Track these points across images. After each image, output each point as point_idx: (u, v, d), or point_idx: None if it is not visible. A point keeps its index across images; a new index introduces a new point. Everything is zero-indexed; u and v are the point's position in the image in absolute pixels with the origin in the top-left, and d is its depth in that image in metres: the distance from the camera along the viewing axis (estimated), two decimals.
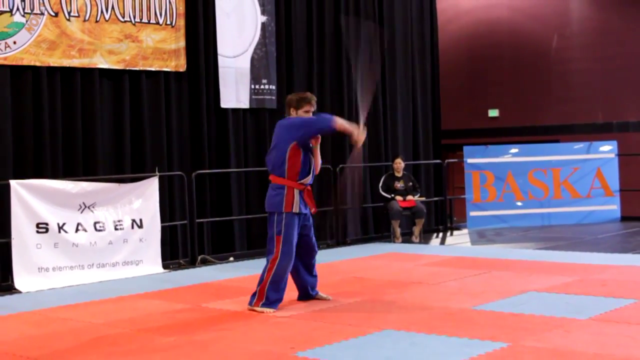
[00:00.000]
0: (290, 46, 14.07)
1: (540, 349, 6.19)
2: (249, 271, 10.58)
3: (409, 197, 13.82)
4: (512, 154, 15.88)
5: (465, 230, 15.39)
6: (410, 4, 16.30)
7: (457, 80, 21.79)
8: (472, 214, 15.58)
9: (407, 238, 13.94)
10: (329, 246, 13.48)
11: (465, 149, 15.85)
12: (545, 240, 13.28)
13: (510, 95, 21.67)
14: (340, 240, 13.97)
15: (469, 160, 15.61)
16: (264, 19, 13.61)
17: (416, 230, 13.93)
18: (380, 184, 13.90)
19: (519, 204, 15.59)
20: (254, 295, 7.98)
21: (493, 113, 22.15)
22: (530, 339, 6.52)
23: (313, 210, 8.12)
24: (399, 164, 13.96)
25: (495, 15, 21.87)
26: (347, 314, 7.80)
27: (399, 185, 13.86)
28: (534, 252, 12.08)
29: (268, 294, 7.90)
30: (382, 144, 15.35)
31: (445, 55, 19.34)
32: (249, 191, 13.38)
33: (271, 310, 7.85)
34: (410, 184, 14.01)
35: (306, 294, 8.41)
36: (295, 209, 7.84)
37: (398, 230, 13.76)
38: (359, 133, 7.81)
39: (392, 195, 13.75)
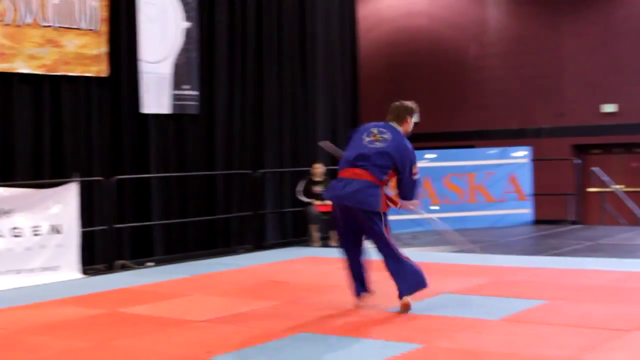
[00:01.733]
0: (213, 52, 14.01)
1: (453, 350, 6.25)
2: (167, 276, 10.51)
3: (328, 202, 13.81)
4: (428, 159, 16.01)
5: None
6: (331, 11, 16.34)
7: (378, 87, 21.92)
8: (390, 217, 15.61)
9: (325, 242, 13.95)
10: (247, 250, 13.42)
11: None
12: (460, 243, 13.40)
13: (429, 102, 21.85)
14: (259, 244, 13.93)
15: None
16: (187, 25, 13.54)
17: (334, 234, 13.93)
18: (299, 188, 13.90)
19: (435, 207, 15.72)
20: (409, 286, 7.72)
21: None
22: (443, 339, 6.58)
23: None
24: (318, 168, 13.97)
25: (415, 24, 22.07)
26: (264, 317, 7.76)
27: (318, 189, 13.87)
28: (449, 254, 12.20)
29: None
30: (301, 149, 15.35)
31: (366, 62, 19.45)
32: (170, 196, 13.27)
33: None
34: None
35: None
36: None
37: (316, 235, 13.76)
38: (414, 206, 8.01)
39: (311, 200, 13.76)
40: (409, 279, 7.64)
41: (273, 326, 7.28)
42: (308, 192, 13.83)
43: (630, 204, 17.63)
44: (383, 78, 22.25)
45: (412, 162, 7.54)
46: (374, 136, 7.61)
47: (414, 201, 7.85)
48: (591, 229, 15.12)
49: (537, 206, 16.28)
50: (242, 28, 14.50)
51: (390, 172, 7.54)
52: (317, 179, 13.93)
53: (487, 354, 6.09)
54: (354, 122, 16.69)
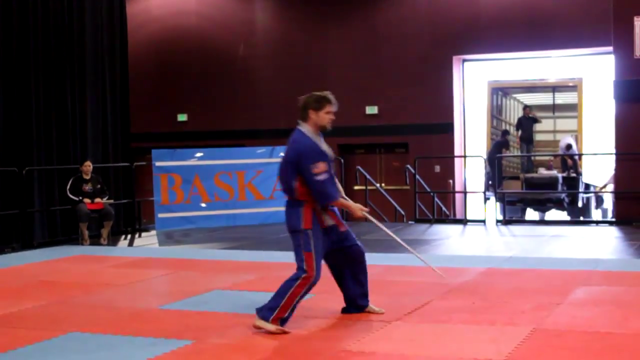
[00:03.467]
0: None
1: (223, 345, 6.31)
2: None
3: (97, 200, 13.58)
4: (197, 158, 16.02)
5: (153, 232, 15.33)
6: (100, 9, 15.99)
7: (147, 85, 21.73)
8: (160, 215, 15.55)
9: (95, 240, 13.68)
10: (14, 249, 12.95)
11: (154, 152, 15.80)
12: (231, 240, 13.52)
13: (199, 101, 21.91)
14: (27, 243, 13.48)
15: (157, 164, 15.56)
16: None
17: (104, 232, 13.72)
18: (69, 187, 13.54)
19: (205, 205, 15.76)
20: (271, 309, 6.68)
21: (182, 117, 22.28)
22: (214, 335, 6.62)
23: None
24: (88, 166, 13.67)
25: (184, 23, 22.02)
26: (31, 318, 7.53)
27: (87, 187, 13.57)
28: (220, 251, 12.26)
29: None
30: (70, 147, 14.97)
31: (135, 60, 19.19)
32: None
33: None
34: (99, 186, 13.76)
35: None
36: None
37: (86, 233, 13.47)
38: (357, 209, 6.92)
39: (80, 198, 13.44)
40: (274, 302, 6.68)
41: (41, 326, 7.09)
42: (77, 190, 13.51)
43: (392, 201, 18.39)
44: (153, 76, 22.06)
45: (308, 161, 6.64)
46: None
47: (358, 208, 6.93)
48: (356, 225, 15.60)
49: None
50: (4, 21, 13.94)
51: (295, 182, 6.70)
52: (86, 176, 13.64)
53: (256, 347, 6.20)
54: (124, 118, 16.45)
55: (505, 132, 20.91)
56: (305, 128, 6.83)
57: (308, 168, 6.63)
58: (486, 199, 17.01)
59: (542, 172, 20.23)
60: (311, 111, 6.80)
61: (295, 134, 6.85)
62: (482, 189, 17.59)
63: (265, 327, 6.58)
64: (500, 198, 17.06)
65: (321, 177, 6.65)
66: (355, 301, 7.20)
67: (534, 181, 19.71)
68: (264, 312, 6.63)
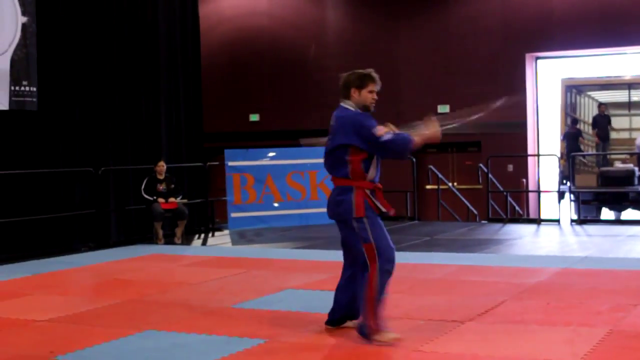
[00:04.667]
0: (52, 48, 13.63)
1: (296, 344, 6.32)
2: (8, 275, 10.20)
3: (171, 199, 13.73)
4: (270, 157, 16.09)
5: (226, 231, 15.45)
6: (174, 10, 16.17)
7: (220, 86, 21.92)
8: (233, 215, 15.66)
9: (169, 239, 13.84)
10: (90, 249, 13.16)
11: (227, 152, 15.91)
12: (303, 240, 13.55)
13: (271, 101, 22.03)
14: (103, 242, 13.69)
15: (230, 163, 15.68)
16: (24, 19, 13.11)
17: (178, 231, 13.86)
18: (143, 187, 13.71)
19: (277, 205, 15.82)
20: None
21: (254, 117, 22.42)
22: (287, 334, 6.63)
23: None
24: (162, 166, 13.83)
25: (256, 23, 22.16)
26: (108, 315, 7.65)
27: (162, 187, 13.73)
28: (292, 251, 12.30)
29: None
30: (145, 147, 15.15)
31: (208, 60, 19.37)
32: (10, 194, 12.85)
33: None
34: (173, 186, 13.91)
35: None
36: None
37: (160, 232, 13.63)
38: (434, 130, 6.35)
39: (155, 198, 13.61)
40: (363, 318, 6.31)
41: (117, 324, 7.19)
42: (152, 190, 13.68)
43: (465, 200, 18.26)
44: (225, 76, 22.24)
45: (368, 127, 6.16)
46: (331, 128, 6.48)
47: (435, 130, 6.31)
48: (428, 225, 15.54)
49: None
50: (81, 24, 14.17)
51: (349, 157, 6.24)
52: (160, 176, 13.80)
53: (328, 346, 6.20)
54: (197, 119, 16.61)
55: (575, 121, 20.55)
56: (349, 104, 6.41)
57: (370, 134, 6.15)
58: (560, 197, 16.77)
59: (618, 165, 19.85)
60: (353, 89, 6.37)
61: (340, 111, 6.43)
62: (556, 188, 17.36)
63: (380, 342, 6.18)
64: (575, 197, 16.81)
65: (388, 136, 6.15)
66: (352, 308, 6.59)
67: (610, 174, 19.31)
68: (363, 331, 6.24)
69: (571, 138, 20.18)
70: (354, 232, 6.29)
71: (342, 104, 6.46)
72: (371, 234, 6.24)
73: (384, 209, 6.31)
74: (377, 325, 6.20)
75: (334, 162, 6.34)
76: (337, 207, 6.32)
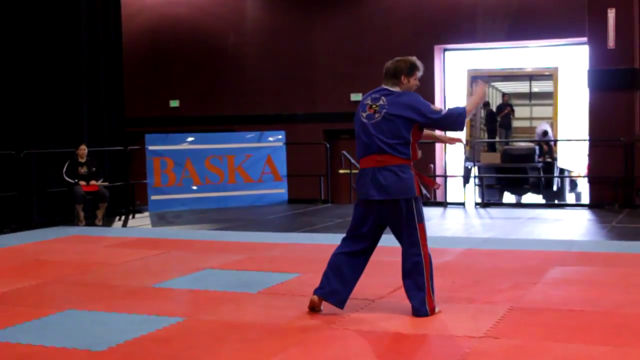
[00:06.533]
0: None
1: (213, 322, 6.30)
2: None
3: (92, 182, 13.55)
4: (189, 142, 15.99)
5: (146, 213, 15.31)
6: None
7: (142, 72, 21.66)
8: (153, 197, 15.53)
9: (90, 221, 13.65)
10: (12, 230, 12.90)
11: (147, 136, 15.77)
12: (221, 222, 13.50)
13: (191, 87, 21.84)
14: (25, 224, 13.43)
15: (150, 147, 15.53)
16: None
17: (99, 213, 13.70)
18: (65, 170, 13.50)
19: (196, 188, 15.75)
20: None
21: (174, 103, 22.21)
22: (205, 312, 6.63)
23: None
24: (83, 150, 13.64)
25: (175, 12, 21.93)
26: (29, 296, 7.52)
27: (83, 170, 13.54)
28: (210, 232, 12.25)
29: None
30: (66, 131, 14.89)
31: (130, 47, 19.15)
32: None
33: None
34: (94, 169, 13.73)
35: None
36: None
37: (82, 214, 13.45)
38: (480, 93, 6.64)
39: (76, 180, 13.41)
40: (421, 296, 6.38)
41: (38, 304, 7.08)
42: (73, 173, 13.48)
43: None
44: (147, 63, 21.99)
45: (427, 104, 6.27)
46: (370, 108, 6.41)
47: (482, 91, 6.60)
48: (341, 208, 15.63)
49: (291, 187, 16.62)
50: (1, 7, 13.82)
51: (410, 135, 6.26)
52: (82, 160, 13.60)
53: (247, 325, 6.20)
54: (119, 104, 16.38)
55: (487, 104, 20.81)
56: (396, 89, 6.40)
57: (429, 111, 6.22)
58: (466, 181, 17.02)
59: (520, 144, 20.25)
60: (403, 76, 6.37)
61: (387, 92, 6.39)
62: (462, 173, 17.63)
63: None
64: (479, 181, 17.09)
65: (444, 111, 6.28)
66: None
67: (513, 152, 19.70)
68: (420, 311, 6.29)
69: (488, 119, 20.57)
70: (406, 211, 6.26)
71: (389, 87, 6.43)
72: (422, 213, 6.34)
73: (429, 189, 6.32)
74: (434, 302, 6.37)
75: (397, 142, 6.26)
76: (397, 185, 6.22)
